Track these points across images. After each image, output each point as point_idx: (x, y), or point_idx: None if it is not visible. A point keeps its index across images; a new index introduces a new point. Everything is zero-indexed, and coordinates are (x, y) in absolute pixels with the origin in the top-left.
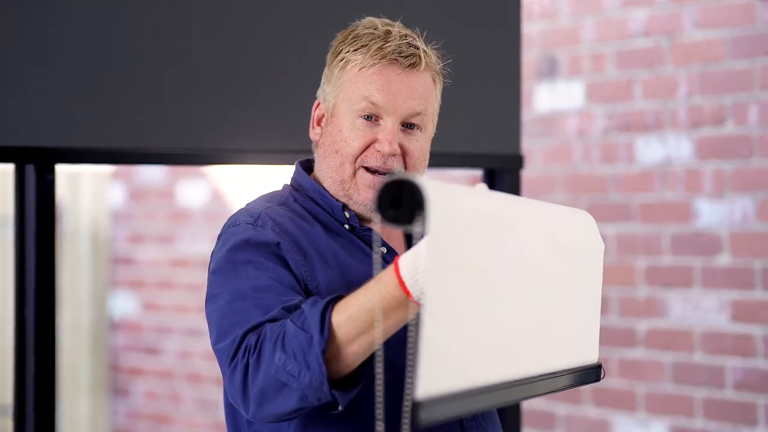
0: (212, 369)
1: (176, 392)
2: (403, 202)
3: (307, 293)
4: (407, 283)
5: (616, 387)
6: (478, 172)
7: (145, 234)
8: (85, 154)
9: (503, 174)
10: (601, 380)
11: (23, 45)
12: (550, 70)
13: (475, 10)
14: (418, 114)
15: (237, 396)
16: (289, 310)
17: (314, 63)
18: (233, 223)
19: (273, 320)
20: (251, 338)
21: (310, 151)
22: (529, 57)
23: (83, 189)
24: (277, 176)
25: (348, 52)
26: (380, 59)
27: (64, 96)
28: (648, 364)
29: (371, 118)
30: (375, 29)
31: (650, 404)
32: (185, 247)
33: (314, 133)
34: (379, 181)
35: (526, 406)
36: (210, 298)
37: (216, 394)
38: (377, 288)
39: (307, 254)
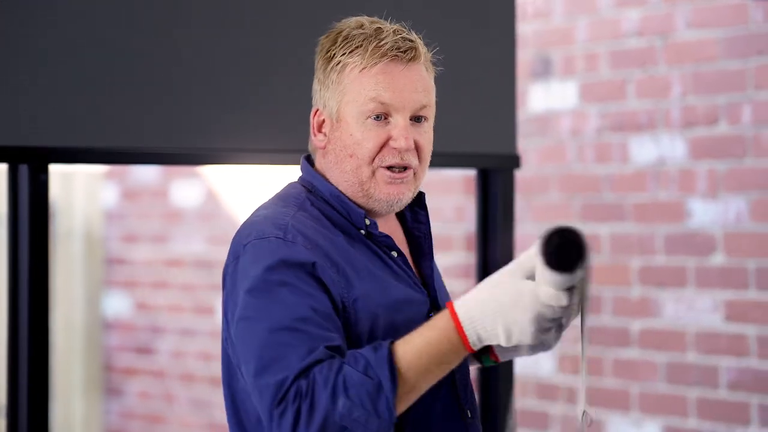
0: (206, 369)
1: (170, 392)
2: (570, 250)
3: (344, 309)
4: (467, 331)
5: (610, 387)
6: (472, 172)
7: (139, 234)
8: (79, 153)
9: (496, 174)
10: (595, 383)
11: (17, 45)
12: (543, 70)
13: (470, 11)
14: (425, 106)
15: (278, 427)
16: (332, 350)
17: (309, 62)
18: (260, 234)
19: (319, 361)
20: (301, 383)
21: (304, 151)
22: (523, 57)
23: (76, 189)
24: (272, 176)
25: (343, 54)
26: (380, 57)
27: (57, 96)
28: (641, 364)
29: (381, 117)
30: (363, 28)
31: (644, 404)
32: (179, 247)
33: (317, 140)
34: (399, 177)
35: (520, 405)
36: (244, 319)
37: (209, 394)
38: (435, 335)
39: (339, 268)
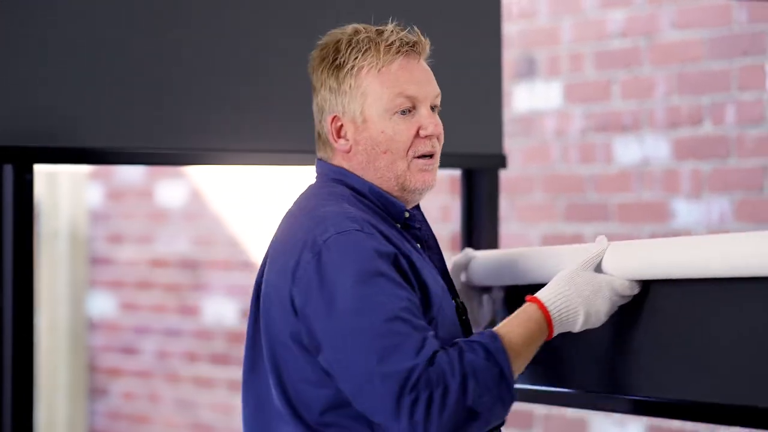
0: (190, 369)
1: (154, 392)
2: None
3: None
4: (554, 323)
5: None
6: (457, 172)
7: (124, 234)
8: (64, 153)
9: (481, 174)
10: None
11: (1, 46)
12: (528, 71)
13: (455, 11)
14: (438, 95)
15: (414, 427)
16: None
17: (296, 63)
18: (339, 229)
19: (440, 349)
20: (430, 371)
21: (291, 151)
22: (508, 57)
23: (61, 189)
24: (257, 176)
25: (356, 59)
26: (395, 54)
27: (42, 96)
28: None
29: (407, 111)
30: (363, 32)
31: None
32: (164, 247)
33: (339, 144)
34: (429, 164)
35: None
36: (354, 311)
37: (194, 394)
38: (534, 327)
39: (409, 261)
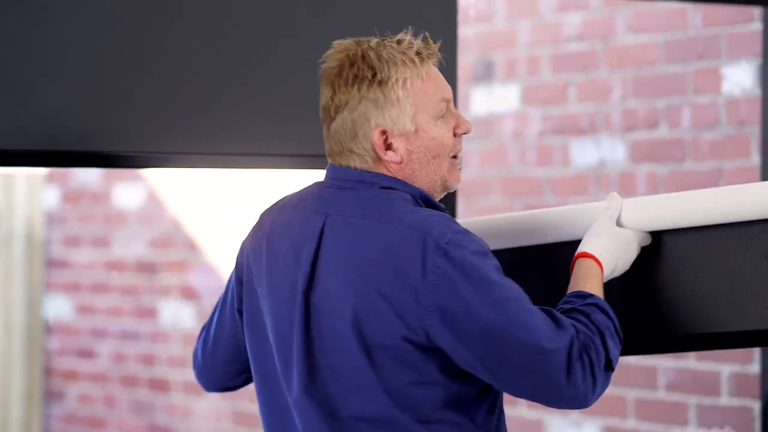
0: (147, 372)
1: (111, 395)
2: None
3: None
4: (604, 274)
5: None
6: None
7: (80, 237)
8: (20, 156)
9: None
10: None
11: None
12: (485, 74)
13: (411, 13)
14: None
15: (586, 391)
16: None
17: (259, 66)
18: (453, 229)
19: (571, 323)
20: (581, 338)
21: (254, 154)
22: (465, 60)
23: (17, 191)
24: (214, 179)
25: (396, 72)
26: (425, 61)
27: None
28: None
29: (444, 114)
30: (385, 44)
31: None
32: (121, 250)
33: (389, 156)
34: (459, 161)
35: None
36: (513, 299)
37: (151, 397)
38: (595, 279)
39: None
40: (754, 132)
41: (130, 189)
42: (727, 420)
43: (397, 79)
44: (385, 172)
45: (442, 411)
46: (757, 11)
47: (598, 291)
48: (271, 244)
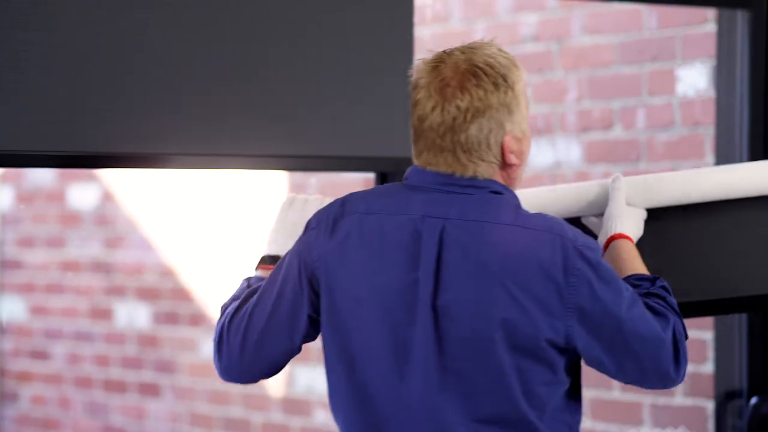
0: (102, 373)
1: (65, 397)
2: None
3: None
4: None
5: None
6: (371, 175)
7: (35, 237)
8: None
9: (394, 176)
10: None
11: None
12: None
13: (367, 14)
14: None
15: (684, 370)
16: None
17: (237, 66)
18: (579, 233)
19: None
20: (673, 322)
21: (219, 154)
22: None
23: None
24: (170, 179)
25: (519, 78)
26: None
27: None
28: None
29: None
30: (498, 50)
31: None
32: (75, 251)
33: (511, 158)
34: None
35: None
36: (631, 300)
37: (105, 398)
38: (637, 258)
39: None
40: (708, 133)
41: (85, 189)
42: (681, 420)
43: (524, 84)
44: (506, 179)
45: (560, 409)
46: (711, 13)
47: (645, 269)
48: (367, 247)
